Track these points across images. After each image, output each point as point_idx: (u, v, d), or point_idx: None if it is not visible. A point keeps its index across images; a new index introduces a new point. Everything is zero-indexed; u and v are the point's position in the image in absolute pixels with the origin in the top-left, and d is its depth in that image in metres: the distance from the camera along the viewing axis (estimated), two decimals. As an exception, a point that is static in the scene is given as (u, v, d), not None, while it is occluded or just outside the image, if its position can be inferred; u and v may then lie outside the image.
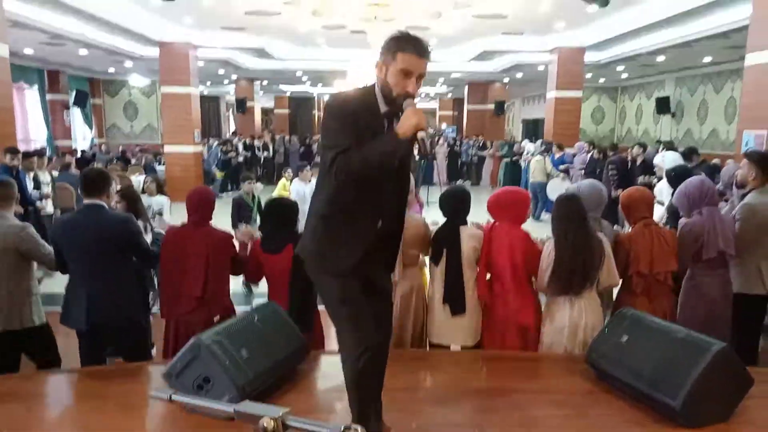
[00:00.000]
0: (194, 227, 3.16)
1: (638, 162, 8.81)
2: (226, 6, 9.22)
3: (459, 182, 15.64)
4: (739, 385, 2.38)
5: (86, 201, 3.08)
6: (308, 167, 6.91)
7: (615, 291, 3.30)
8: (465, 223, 3.19)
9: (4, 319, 3.04)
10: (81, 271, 3.03)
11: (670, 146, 8.28)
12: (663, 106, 15.99)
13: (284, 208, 3.35)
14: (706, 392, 2.28)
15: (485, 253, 3.09)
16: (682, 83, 15.89)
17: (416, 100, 1.99)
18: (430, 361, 3.12)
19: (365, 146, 1.88)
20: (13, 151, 5.89)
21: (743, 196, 3.56)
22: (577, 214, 2.90)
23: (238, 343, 2.45)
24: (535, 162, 10.92)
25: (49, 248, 3.13)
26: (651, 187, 7.28)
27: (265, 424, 0.77)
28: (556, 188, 9.50)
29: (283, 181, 7.52)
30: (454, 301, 3.07)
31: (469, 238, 3.10)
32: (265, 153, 16.10)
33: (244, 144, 15.58)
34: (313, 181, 6.31)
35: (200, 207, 3.20)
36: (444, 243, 3.12)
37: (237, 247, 3.40)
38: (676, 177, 4.32)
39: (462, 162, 17.16)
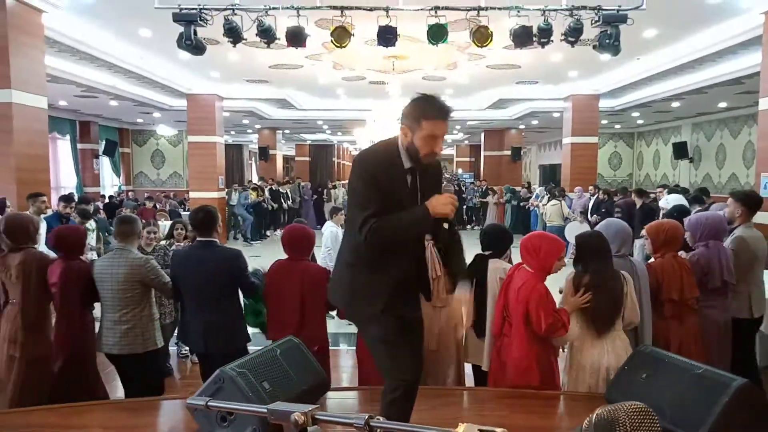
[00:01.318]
0: (293, 262, 3.39)
1: (638, 206, 8.94)
2: (251, 60, 9.66)
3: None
4: (762, 420, 2.36)
5: (199, 238, 3.42)
6: (342, 212, 6.98)
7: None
8: (498, 257, 3.45)
9: (130, 344, 3.33)
10: (196, 300, 3.33)
11: (672, 189, 8.55)
12: (680, 151, 16.03)
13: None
14: (727, 428, 2.26)
15: (502, 290, 3.18)
16: (699, 129, 15.96)
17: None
18: (451, 397, 3.13)
19: (395, 216, 2.04)
20: (67, 199, 6.21)
21: (731, 231, 3.88)
22: (601, 250, 3.04)
23: (260, 376, 2.51)
24: (551, 206, 10.98)
25: (168, 279, 3.42)
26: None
27: (296, 418, 0.84)
28: (574, 231, 9.51)
29: None
30: (478, 325, 3.36)
31: (494, 270, 3.35)
32: (289, 202, 16.50)
33: (270, 190, 15.94)
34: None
35: (298, 243, 3.43)
36: (473, 273, 3.35)
37: None
38: (678, 215, 4.90)
39: (467, 207, 17.35)
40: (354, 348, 4.51)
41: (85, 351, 3.45)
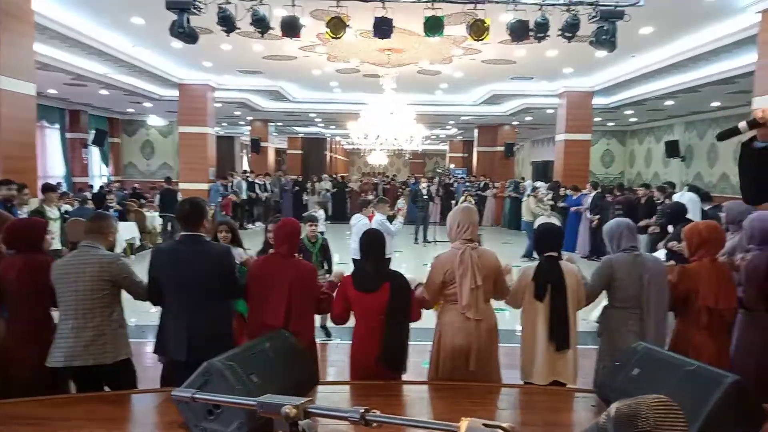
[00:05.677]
0: (281, 258, 3.13)
1: (642, 202, 9.11)
2: (244, 51, 9.56)
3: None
4: (753, 419, 2.35)
5: (184, 233, 3.08)
6: (372, 204, 6.78)
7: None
8: (560, 257, 3.23)
9: (96, 353, 2.95)
10: (180, 301, 2.99)
11: (692, 188, 8.60)
12: (673, 149, 16.11)
13: (383, 244, 3.20)
14: (719, 424, 2.25)
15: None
16: (691, 127, 16.04)
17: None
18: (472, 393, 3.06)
19: None
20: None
21: None
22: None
23: (249, 369, 2.45)
24: (523, 202, 11.20)
25: (141, 279, 3.12)
26: (647, 228, 7.66)
27: (287, 411, 0.80)
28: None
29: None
30: (561, 337, 3.07)
31: (569, 273, 3.14)
32: (266, 193, 16.40)
33: (247, 182, 15.80)
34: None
35: (288, 239, 3.17)
36: (548, 279, 3.12)
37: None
38: (673, 213, 5.12)
39: (457, 202, 17.30)
40: (348, 342, 4.42)
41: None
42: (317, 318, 5.37)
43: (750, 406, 2.34)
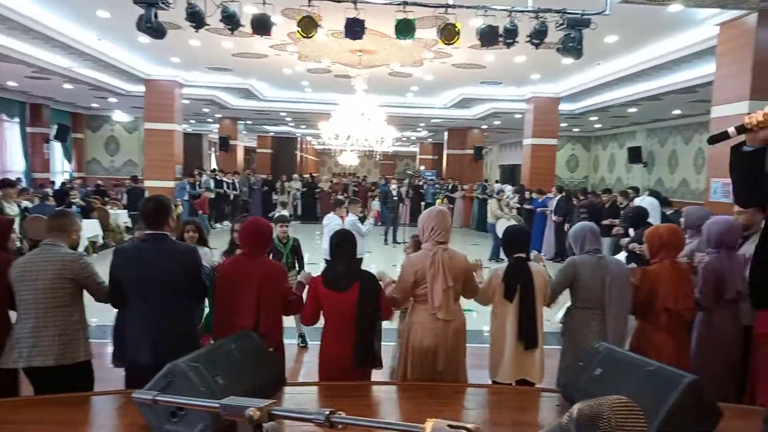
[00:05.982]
0: (249, 257, 3.10)
1: (606, 206, 9.40)
2: (214, 47, 9.41)
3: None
4: (709, 418, 2.43)
5: (148, 232, 2.98)
6: (345, 204, 6.76)
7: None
8: (529, 259, 3.32)
9: (57, 353, 2.87)
10: (145, 302, 2.90)
11: (652, 193, 8.92)
12: (635, 155, 16.54)
13: (353, 244, 3.22)
14: (677, 425, 2.31)
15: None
16: (653, 134, 16.50)
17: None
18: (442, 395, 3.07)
19: None
20: None
21: (746, 237, 3.64)
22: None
23: (214, 370, 2.41)
24: (488, 204, 11.45)
25: (103, 280, 3.03)
26: (611, 228, 7.91)
27: (250, 414, 0.79)
28: (502, 228, 9.94)
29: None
30: (530, 336, 3.17)
31: (537, 274, 3.24)
32: (235, 191, 16.22)
33: (215, 180, 15.60)
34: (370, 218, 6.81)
35: (256, 238, 3.14)
36: (518, 280, 3.20)
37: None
38: (635, 216, 5.19)
39: (426, 203, 17.41)
40: (317, 343, 4.43)
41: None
42: (294, 325, 5.38)
43: (707, 405, 2.42)
